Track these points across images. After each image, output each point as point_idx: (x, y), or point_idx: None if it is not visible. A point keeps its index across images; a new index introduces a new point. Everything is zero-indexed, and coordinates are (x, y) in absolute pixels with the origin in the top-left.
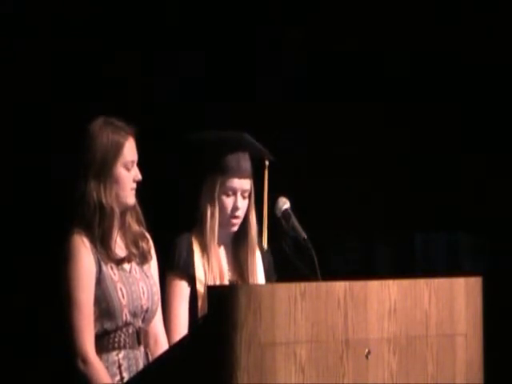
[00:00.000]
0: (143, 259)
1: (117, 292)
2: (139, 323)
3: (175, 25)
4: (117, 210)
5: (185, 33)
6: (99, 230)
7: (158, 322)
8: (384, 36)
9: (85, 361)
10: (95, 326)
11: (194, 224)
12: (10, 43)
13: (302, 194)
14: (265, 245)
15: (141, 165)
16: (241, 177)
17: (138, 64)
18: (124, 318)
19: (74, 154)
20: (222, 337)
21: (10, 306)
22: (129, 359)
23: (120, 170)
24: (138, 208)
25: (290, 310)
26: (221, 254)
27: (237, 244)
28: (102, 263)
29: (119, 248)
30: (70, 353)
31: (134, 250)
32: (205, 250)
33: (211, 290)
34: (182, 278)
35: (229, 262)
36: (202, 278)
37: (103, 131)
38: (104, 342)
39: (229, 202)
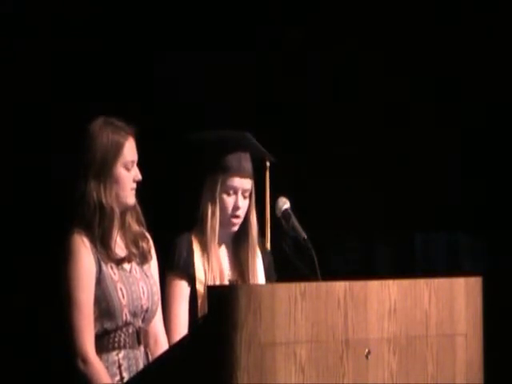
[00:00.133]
0: (143, 259)
1: (117, 292)
2: (139, 323)
3: (175, 25)
4: (117, 210)
5: (185, 33)
6: (99, 230)
7: (158, 321)
8: (383, 36)
9: (85, 361)
10: (95, 326)
11: (195, 223)
12: (10, 43)
13: (301, 194)
14: (268, 245)
15: (141, 165)
16: (242, 176)
17: (138, 64)
18: (124, 317)
19: (74, 154)
20: (222, 337)
21: (10, 306)
22: (129, 359)
23: (120, 170)
24: (138, 208)
25: (290, 310)
26: (221, 254)
27: (237, 244)
28: (102, 263)
29: (119, 248)
30: (70, 353)
31: (134, 250)
32: (205, 249)
33: (211, 289)
34: (181, 277)
35: (229, 262)
36: (202, 278)
37: (103, 131)
38: (104, 342)
39: (230, 201)
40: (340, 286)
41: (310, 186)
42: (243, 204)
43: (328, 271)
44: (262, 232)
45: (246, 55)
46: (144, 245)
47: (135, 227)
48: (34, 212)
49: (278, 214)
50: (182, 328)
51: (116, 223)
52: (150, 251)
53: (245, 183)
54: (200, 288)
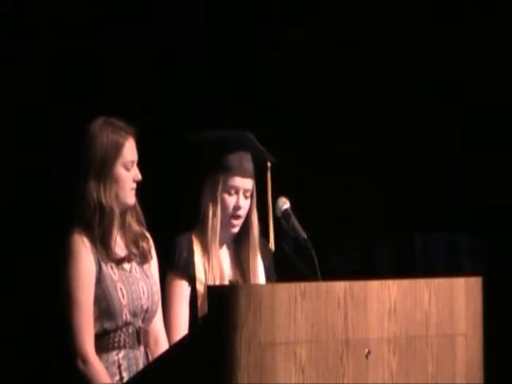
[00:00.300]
0: (143, 259)
1: (117, 292)
2: (139, 323)
3: (175, 25)
4: (117, 210)
5: (185, 33)
6: (99, 230)
7: (158, 321)
8: (384, 36)
9: (84, 361)
10: (95, 326)
11: (195, 223)
12: (10, 43)
13: (301, 194)
14: (272, 246)
15: (141, 165)
16: (243, 176)
17: (138, 64)
18: (124, 317)
19: (74, 154)
20: (222, 337)
21: (10, 306)
22: (129, 359)
23: (120, 170)
24: (139, 208)
25: (290, 310)
26: (222, 254)
27: (238, 244)
28: (102, 263)
29: (119, 248)
30: (70, 353)
31: (134, 250)
32: (206, 249)
33: (211, 289)
34: (182, 277)
35: (230, 262)
36: (203, 278)
37: (103, 131)
38: (104, 342)
39: (231, 200)
40: (340, 286)
41: (310, 185)
42: (244, 204)
43: (328, 271)
44: (263, 232)
45: (246, 55)
46: (144, 245)
47: (135, 227)
48: (33, 212)
49: (278, 214)
50: (182, 328)
51: (116, 223)
52: (150, 251)
53: (246, 183)
54: (200, 288)
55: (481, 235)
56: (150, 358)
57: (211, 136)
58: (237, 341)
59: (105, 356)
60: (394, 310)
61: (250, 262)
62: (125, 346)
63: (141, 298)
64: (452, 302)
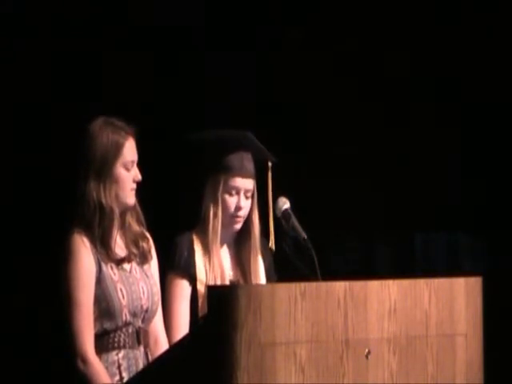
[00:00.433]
0: (143, 259)
1: (117, 292)
2: (139, 323)
3: (175, 25)
4: (116, 210)
5: (185, 33)
6: (99, 230)
7: (158, 321)
8: (384, 36)
9: (84, 361)
10: (95, 326)
11: (196, 223)
12: (10, 43)
13: (302, 194)
14: (272, 246)
15: (141, 165)
16: (244, 176)
17: (138, 64)
18: (124, 317)
19: (74, 154)
20: (222, 337)
21: (10, 305)
22: (128, 359)
23: (120, 170)
24: (139, 208)
25: (290, 310)
26: (223, 254)
27: (239, 244)
28: (102, 263)
29: (119, 248)
30: (70, 353)
31: (134, 250)
32: (206, 249)
33: (211, 289)
34: (182, 277)
35: (231, 262)
36: (203, 278)
37: (103, 131)
38: (104, 342)
39: (232, 201)
40: (340, 286)
41: (310, 185)
42: (245, 204)
43: (328, 271)
44: (264, 232)
45: (246, 55)
46: (144, 245)
47: (135, 227)
48: (33, 212)
49: (278, 214)
50: (182, 327)
51: (116, 223)
52: (150, 251)
53: (247, 183)
54: (201, 288)
55: (481, 235)
56: (150, 358)
57: (211, 136)
58: (237, 341)
59: (105, 356)
60: (394, 310)
61: (251, 262)
62: (125, 346)
63: (141, 298)
64: (452, 302)
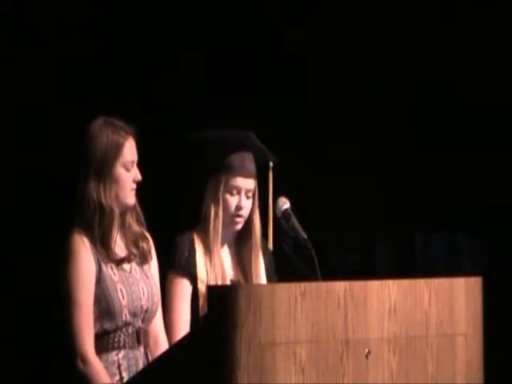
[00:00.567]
0: (143, 259)
1: (117, 292)
2: (139, 323)
3: (175, 25)
4: (116, 210)
5: (185, 33)
6: (99, 230)
7: (158, 322)
8: (384, 36)
9: (84, 361)
10: (95, 326)
11: (197, 223)
12: (10, 43)
13: (302, 194)
14: (270, 246)
15: (141, 165)
16: (245, 176)
17: (138, 64)
18: (124, 318)
19: (74, 154)
20: (222, 337)
21: (10, 305)
22: (128, 359)
23: (120, 170)
24: (139, 208)
25: (290, 310)
26: (224, 254)
27: (240, 244)
28: (102, 263)
29: (119, 248)
30: (70, 353)
31: (134, 250)
32: (207, 248)
33: (211, 289)
34: (183, 276)
35: (232, 262)
36: (204, 278)
37: (103, 131)
38: (104, 342)
39: (233, 201)
40: (340, 286)
41: (310, 185)
42: (246, 204)
43: (328, 271)
44: (264, 233)
45: (245, 55)
46: (144, 245)
47: (135, 227)
48: (33, 212)
49: (278, 214)
50: (183, 327)
51: (116, 223)
52: (150, 251)
53: (248, 183)
54: (202, 287)
55: (481, 235)
56: (150, 358)
57: (212, 136)
58: (237, 341)
59: (104, 356)
60: (394, 310)
61: (252, 262)
62: (125, 347)
63: (141, 299)
64: (452, 302)
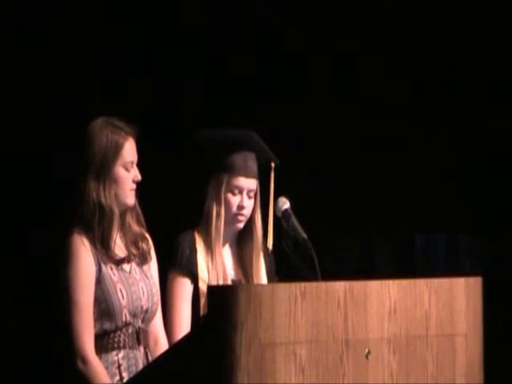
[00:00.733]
0: (143, 260)
1: (116, 292)
2: (139, 323)
3: (175, 24)
4: (116, 211)
5: (185, 33)
6: (99, 230)
7: (157, 322)
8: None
9: (84, 361)
10: (95, 327)
11: (198, 222)
12: (10, 43)
13: (302, 194)
14: (270, 246)
15: (141, 165)
16: (247, 176)
17: (138, 64)
18: (124, 318)
19: (74, 154)
20: (222, 337)
21: (10, 305)
22: (128, 359)
23: (119, 171)
24: (139, 208)
25: (290, 310)
26: (225, 253)
27: (241, 243)
28: (102, 263)
29: (119, 248)
30: (70, 353)
31: (133, 251)
32: (209, 248)
33: (211, 289)
34: (184, 275)
35: (233, 262)
36: (205, 277)
37: (103, 131)
38: (103, 342)
39: (234, 200)
40: (340, 286)
41: (310, 185)
42: (248, 204)
43: (328, 271)
44: (264, 233)
45: (245, 55)
46: (144, 245)
47: (135, 228)
48: (33, 212)
49: (278, 214)
50: (184, 326)
51: (115, 223)
52: (149, 252)
53: (250, 183)
54: (203, 287)
55: (481, 235)
56: (150, 358)
57: (215, 135)
58: (237, 341)
59: (104, 356)
60: (394, 310)
61: (253, 262)
62: (124, 347)
63: (140, 299)
64: (452, 302)
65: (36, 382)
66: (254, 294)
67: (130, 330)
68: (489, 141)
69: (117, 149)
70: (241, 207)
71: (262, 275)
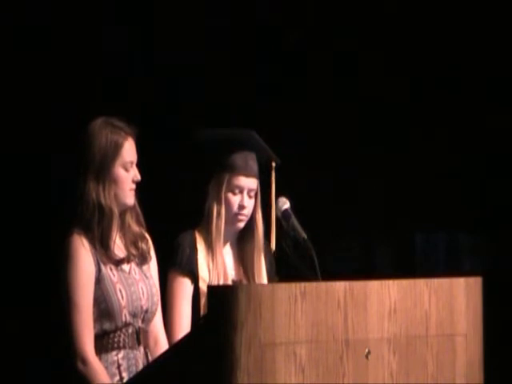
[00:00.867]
0: (143, 260)
1: (116, 293)
2: (139, 323)
3: (175, 24)
4: (116, 211)
5: (185, 33)
6: (98, 231)
7: (157, 322)
8: (384, 36)
9: (84, 361)
10: (94, 327)
11: (199, 221)
12: (10, 43)
13: (302, 194)
14: (273, 246)
15: (141, 165)
16: (248, 175)
17: (138, 64)
18: (123, 318)
19: (74, 154)
20: (222, 337)
21: (11, 306)
22: (128, 359)
23: (119, 171)
24: (138, 208)
25: (290, 310)
26: (226, 253)
27: (242, 243)
28: (101, 264)
29: (118, 249)
30: (70, 353)
31: (133, 251)
32: (209, 248)
33: (211, 289)
34: (185, 275)
35: (234, 261)
36: (206, 277)
37: (102, 131)
38: (103, 343)
39: (235, 200)
40: (340, 286)
41: (310, 185)
42: (249, 203)
43: (328, 271)
44: (265, 233)
45: (245, 55)
46: (143, 245)
47: (135, 228)
48: (33, 212)
49: (278, 214)
50: (184, 326)
51: (115, 223)
52: (149, 252)
53: (250, 183)
54: (203, 286)
55: (481, 235)
56: (150, 358)
57: (216, 135)
58: (237, 341)
59: (104, 356)
60: (394, 310)
61: (254, 262)
62: (124, 347)
63: (140, 299)
64: (452, 302)
65: (36, 382)
66: (254, 293)
67: (129, 330)
68: (489, 141)
69: (116, 149)
70: (241, 207)
71: (262, 274)
